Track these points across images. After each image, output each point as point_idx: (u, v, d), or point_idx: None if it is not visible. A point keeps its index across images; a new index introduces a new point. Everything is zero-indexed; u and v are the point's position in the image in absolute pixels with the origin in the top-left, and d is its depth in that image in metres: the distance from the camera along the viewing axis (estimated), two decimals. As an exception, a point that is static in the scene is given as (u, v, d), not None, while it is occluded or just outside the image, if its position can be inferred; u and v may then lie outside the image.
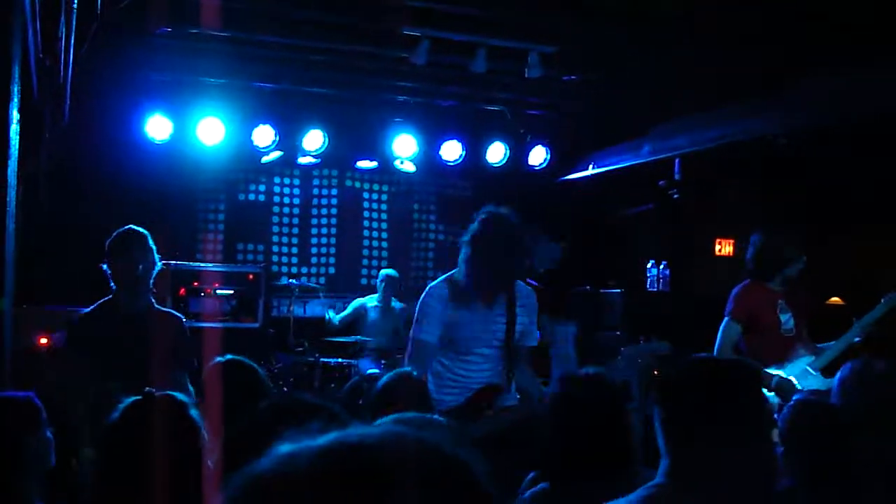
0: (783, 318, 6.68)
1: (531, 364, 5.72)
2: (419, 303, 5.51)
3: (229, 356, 4.15)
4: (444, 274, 5.69)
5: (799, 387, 6.33)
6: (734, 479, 2.61)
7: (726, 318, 6.73)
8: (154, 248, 5.42)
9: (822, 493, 3.14)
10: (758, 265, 6.77)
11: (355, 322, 10.60)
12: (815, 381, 6.40)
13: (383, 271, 10.85)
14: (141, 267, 5.33)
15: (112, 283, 5.37)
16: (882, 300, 6.57)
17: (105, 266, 5.36)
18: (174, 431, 2.13)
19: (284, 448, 1.01)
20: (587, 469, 3.32)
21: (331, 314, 10.44)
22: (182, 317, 5.69)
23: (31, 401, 3.74)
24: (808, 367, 6.50)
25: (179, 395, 2.68)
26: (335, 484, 0.96)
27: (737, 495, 2.59)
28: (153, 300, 5.52)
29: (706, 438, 2.61)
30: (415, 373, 4.66)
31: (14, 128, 5.15)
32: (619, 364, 5.60)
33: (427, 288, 5.60)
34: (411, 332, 5.52)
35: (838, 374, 4.52)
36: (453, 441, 1.06)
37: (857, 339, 6.53)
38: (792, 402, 3.55)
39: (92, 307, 5.47)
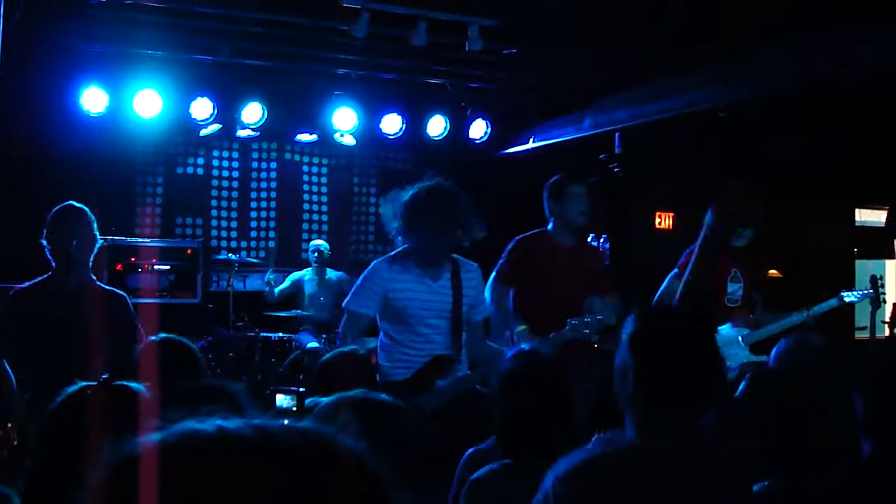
0: (731, 287, 6.77)
1: (483, 336, 5.81)
2: (362, 276, 5.55)
3: (163, 335, 4.10)
4: (384, 247, 5.74)
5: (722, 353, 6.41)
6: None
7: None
8: (94, 224, 5.37)
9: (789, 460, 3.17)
10: None
11: (294, 296, 10.55)
12: (741, 353, 6.50)
13: (312, 243, 10.83)
14: (77, 243, 5.28)
15: (51, 259, 5.32)
16: (836, 296, 6.74)
17: (44, 241, 5.30)
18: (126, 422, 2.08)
19: (185, 425, 1.01)
20: (544, 445, 3.35)
21: (270, 277, 10.31)
22: (125, 295, 5.63)
23: None
24: (740, 339, 6.59)
25: (134, 385, 2.62)
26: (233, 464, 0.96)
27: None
28: (94, 277, 5.46)
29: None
30: (360, 350, 4.67)
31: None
32: (566, 335, 5.64)
33: (372, 263, 5.62)
34: (346, 302, 5.56)
35: (775, 349, 4.58)
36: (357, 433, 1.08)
37: (798, 323, 6.65)
38: (750, 373, 3.59)
39: (29, 283, 5.40)
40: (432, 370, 5.31)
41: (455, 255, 5.57)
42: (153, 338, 4.07)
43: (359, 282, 5.53)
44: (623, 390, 2.81)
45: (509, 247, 6.64)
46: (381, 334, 5.55)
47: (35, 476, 2.40)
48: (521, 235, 6.72)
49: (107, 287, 5.60)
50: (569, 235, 6.68)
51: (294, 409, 2.19)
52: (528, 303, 6.43)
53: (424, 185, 5.47)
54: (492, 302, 6.35)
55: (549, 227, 6.72)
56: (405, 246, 5.48)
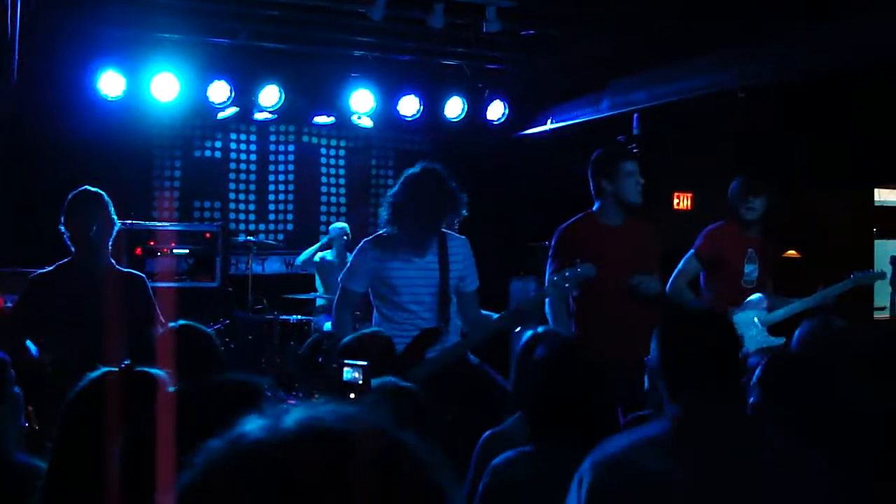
0: (748, 268, 6.76)
1: (477, 305, 5.87)
2: (353, 254, 5.83)
3: (181, 321, 4.10)
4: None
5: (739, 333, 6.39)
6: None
7: (690, 252, 6.81)
8: (111, 208, 5.42)
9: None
10: (728, 203, 6.90)
11: (313, 276, 10.54)
12: (758, 336, 6.49)
13: (337, 226, 10.74)
14: (95, 227, 5.34)
15: (70, 245, 5.37)
16: (850, 276, 6.74)
17: (62, 227, 5.35)
18: (146, 409, 2.07)
19: (248, 429, 0.99)
20: (574, 431, 3.35)
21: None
22: (144, 277, 5.70)
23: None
24: (756, 320, 6.59)
25: (155, 372, 2.61)
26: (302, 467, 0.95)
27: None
28: (112, 261, 5.49)
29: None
30: (383, 331, 4.76)
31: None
32: (547, 291, 5.66)
33: (361, 242, 5.77)
34: (341, 279, 5.75)
35: (797, 333, 4.57)
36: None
37: (814, 305, 6.64)
38: (768, 357, 3.57)
39: (49, 268, 5.44)
40: (421, 343, 5.42)
41: (443, 230, 5.69)
42: (172, 324, 4.08)
43: (351, 260, 5.77)
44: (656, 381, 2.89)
45: (554, 241, 6.19)
46: (375, 312, 5.71)
47: (56, 462, 2.41)
48: (563, 224, 6.26)
49: (124, 269, 5.63)
50: (619, 214, 6.17)
51: (360, 382, 2.19)
52: (584, 290, 5.92)
53: (406, 174, 5.66)
54: (550, 307, 6.00)
55: (596, 207, 6.25)
56: (391, 223, 5.59)
